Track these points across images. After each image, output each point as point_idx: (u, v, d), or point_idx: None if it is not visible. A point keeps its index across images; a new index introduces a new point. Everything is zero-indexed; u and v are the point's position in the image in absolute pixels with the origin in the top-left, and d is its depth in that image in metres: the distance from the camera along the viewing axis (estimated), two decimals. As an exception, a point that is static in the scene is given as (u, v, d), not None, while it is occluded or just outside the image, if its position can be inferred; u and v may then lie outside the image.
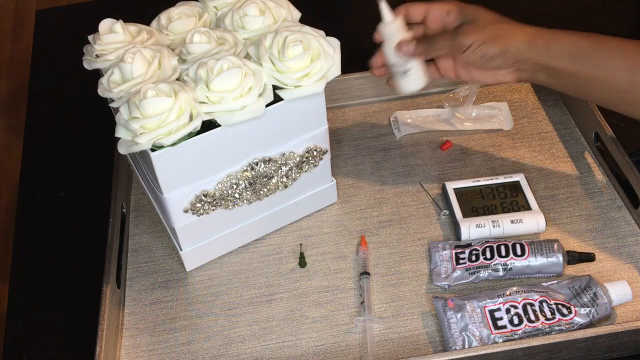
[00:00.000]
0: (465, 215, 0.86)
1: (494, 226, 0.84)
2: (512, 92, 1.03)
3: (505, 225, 0.84)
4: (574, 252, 0.81)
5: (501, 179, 0.89)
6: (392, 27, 0.81)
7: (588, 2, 1.17)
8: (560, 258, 0.79)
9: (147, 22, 0.84)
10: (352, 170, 0.95)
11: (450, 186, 0.89)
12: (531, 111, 1.00)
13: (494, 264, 0.80)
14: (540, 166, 0.93)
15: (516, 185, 0.88)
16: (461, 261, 0.81)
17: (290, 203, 0.87)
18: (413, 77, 0.84)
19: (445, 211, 0.88)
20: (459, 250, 0.82)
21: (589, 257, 0.81)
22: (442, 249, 0.83)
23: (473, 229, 0.84)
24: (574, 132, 0.97)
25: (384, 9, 0.81)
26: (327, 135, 0.83)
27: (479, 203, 0.87)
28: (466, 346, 0.74)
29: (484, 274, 0.80)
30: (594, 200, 0.89)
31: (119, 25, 0.80)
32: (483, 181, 0.89)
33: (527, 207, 0.86)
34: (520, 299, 0.76)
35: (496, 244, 0.81)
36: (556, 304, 0.75)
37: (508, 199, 0.87)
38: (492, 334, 0.74)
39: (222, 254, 0.87)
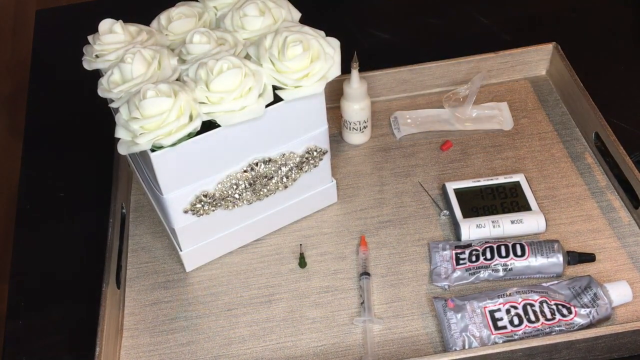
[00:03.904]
0: (465, 215, 0.85)
1: (494, 226, 0.84)
2: (512, 92, 1.03)
3: (505, 225, 0.84)
4: (574, 253, 0.81)
5: (501, 179, 0.89)
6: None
7: (589, 2, 1.17)
8: (561, 258, 0.79)
9: (147, 22, 0.84)
10: (352, 170, 0.95)
11: (450, 186, 0.89)
12: (531, 111, 1.00)
13: (494, 265, 0.80)
14: (540, 166, 0.93)
15: (516, 186, 0.88)
16: (461, 261, 0.81)
17: (290, 203, 0.87)
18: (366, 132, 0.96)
19: (445, 211, 0.88)
20: (459, 251, 0.82)
21: (589, 257, 0.81)
22: (442, 249, 0.83)
23: (473, 229, 0.84)
24: (574, 132, 0.97)
25: None
26: (327, 136, 0.83)
27: (479, 203, 0.87)
28: (466, 347, 0.74)
29: (484, 274, 0.80)
30: (594, 201, 0.88)
31: (118, 25, 0.80)
32: (483, 181, 0.89)
33: (527, 208, 0.85)
34: (520, 300, 0.76)
35: (496, 245, 0.81)
36: (556, 305, 0.75)
37: (508, 199, 0.87)
38: (492, 334, 0.74)
39: (222, 255, 0.87)
